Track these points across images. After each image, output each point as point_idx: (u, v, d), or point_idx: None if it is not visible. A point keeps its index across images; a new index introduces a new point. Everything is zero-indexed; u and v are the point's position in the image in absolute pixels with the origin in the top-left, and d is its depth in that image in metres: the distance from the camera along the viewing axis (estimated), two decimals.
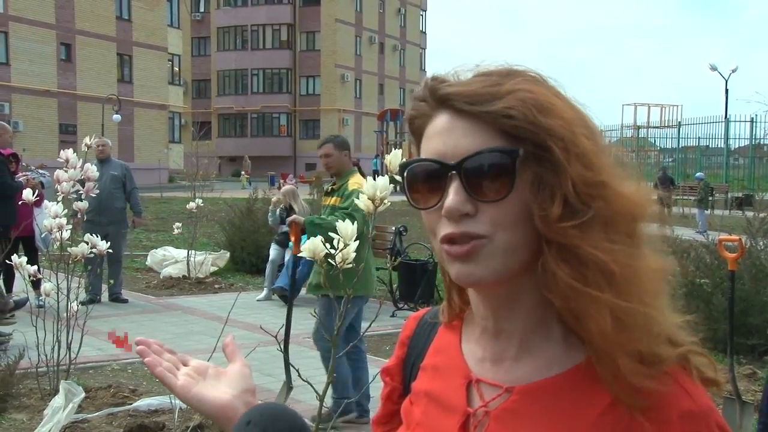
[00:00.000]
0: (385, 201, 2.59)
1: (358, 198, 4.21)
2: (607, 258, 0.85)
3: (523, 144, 0.86)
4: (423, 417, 1.01)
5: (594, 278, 0.85)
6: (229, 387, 1.05)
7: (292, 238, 5.45)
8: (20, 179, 8.24)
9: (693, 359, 0.90)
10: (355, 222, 3.14)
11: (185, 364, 1.08)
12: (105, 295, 8.98)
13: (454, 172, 0.87)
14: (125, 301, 9.48)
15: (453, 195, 0.87)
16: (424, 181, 0.91)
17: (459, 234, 0.88)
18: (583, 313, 0.86)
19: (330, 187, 5.52)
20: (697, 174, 23.59)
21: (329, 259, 2.80)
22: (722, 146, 35.38)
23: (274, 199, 10.54)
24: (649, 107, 43.60)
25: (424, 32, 71.38)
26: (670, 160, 38.12)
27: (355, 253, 2.89)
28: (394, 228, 9.74)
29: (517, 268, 0.88)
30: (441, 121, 0.91)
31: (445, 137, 0.90)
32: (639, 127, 40.25)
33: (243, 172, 40.56)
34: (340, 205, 5.20)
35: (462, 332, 1.03)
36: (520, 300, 0.91)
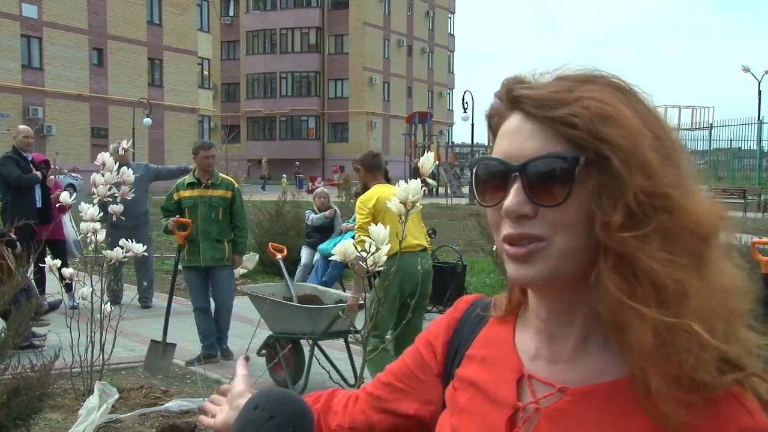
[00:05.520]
0: (417, 204, 2.59)
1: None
2: (662, 270, 0.84)
3: (585, 151, 0.87)
4: (469, 403, 1.02)
5: (643, 292, 0.85)
6: (227, 403, 1.21)
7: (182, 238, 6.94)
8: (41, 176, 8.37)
9: (753, 383, 0.88)
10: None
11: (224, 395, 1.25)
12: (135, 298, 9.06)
13: (516, 173, 0.89)
14: (148, 306, 9.52)
15: (513, 196, 0.89)
16: (490, 179, 0.93)
17: (518, 235, 0.89)
18: (626, 326, 0.86)
19: (209, 182, 7.03)
20: None
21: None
22: (755, 148, 34.86)
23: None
24: (680, 109, 43.02)
25: (453, 35, 71.25)
26: (702, 162, 37.65)
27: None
28: None
29: (570, 274, 0.89)
30: (512, 122, 0.93)
31: (512, 138, 0.92)
32: None
33: (284, 175, 40.81)
34: (236, 198, 7.12)
35: (516, 327, 1.03)
36: (578, 307, 0.92)
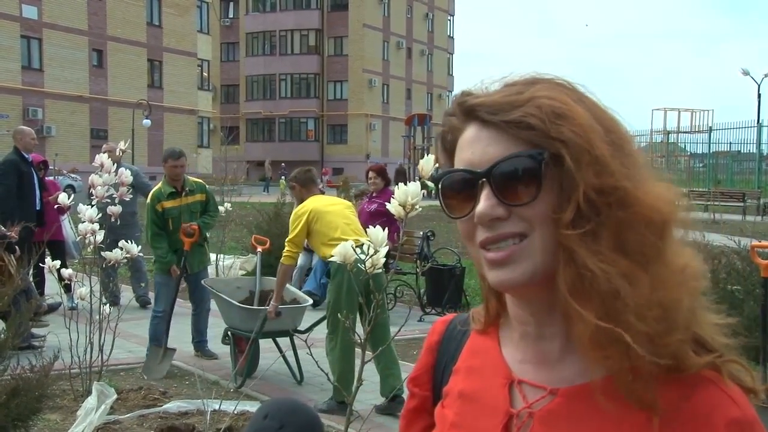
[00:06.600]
0: (417, 207, 2.59)
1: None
2: (605, 270, 0.85)
3: (544, 149, 0.88)
4: (458, 418, 1.00)
5: (585, 290, 0.85)
6: None
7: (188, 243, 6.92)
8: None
9: (732, 369, 0.89)
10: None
11: None
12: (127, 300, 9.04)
13: (484, 179, 0.89)
14: (147, 302, 9.51)
15: (484, 201, 0.89)
16: (457, 190, 0.93)
17: (495, 237, 0.89)
18: (570, 321, 0.88)
19: (187, 189, 7.08)
20: None
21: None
22: (754, 151, 34.89)
23: None
24: (679, 112, 43.03)
25: (452, 37, 71.28)
26: (701, 165, 37.66)
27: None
28: (422, 233, 9.73)
29: (553, 269, 0.88)
30: (469, 132, 0.93)
31: (473, 147, 0.92)
32: (669, 133, 39.82)
33: (282, 177, 40.89)
34: (210, 199, 7.27)
35: (499, 336, 1.02)
36: (559, 304, 0.90)
